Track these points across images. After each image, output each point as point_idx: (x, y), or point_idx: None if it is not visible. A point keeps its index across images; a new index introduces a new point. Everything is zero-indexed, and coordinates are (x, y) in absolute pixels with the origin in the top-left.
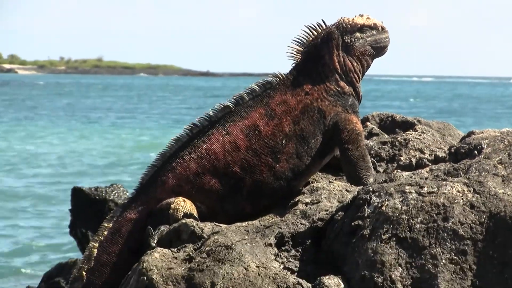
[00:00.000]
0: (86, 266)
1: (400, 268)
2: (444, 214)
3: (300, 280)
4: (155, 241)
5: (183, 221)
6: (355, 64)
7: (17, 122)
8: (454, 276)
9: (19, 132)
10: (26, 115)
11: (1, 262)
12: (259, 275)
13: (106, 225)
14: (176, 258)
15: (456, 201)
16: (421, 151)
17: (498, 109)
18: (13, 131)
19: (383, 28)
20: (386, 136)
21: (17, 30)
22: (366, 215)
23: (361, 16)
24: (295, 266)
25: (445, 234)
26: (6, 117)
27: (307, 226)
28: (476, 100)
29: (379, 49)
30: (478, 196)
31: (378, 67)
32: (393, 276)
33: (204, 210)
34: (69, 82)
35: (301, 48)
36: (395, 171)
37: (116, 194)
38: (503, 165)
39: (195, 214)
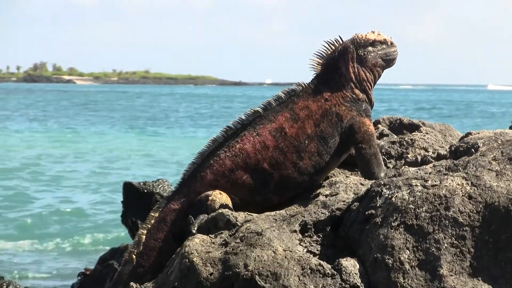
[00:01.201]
0: (136, 250)
1: (408, 251)
2: (446, 204)
3: (321, 262)
4: (195, 228)
5: (220, 211)
6: (368, 74)
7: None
8: (454, 258)
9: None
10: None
11: (68, 246)
12: (285, 257)
13: (153, 214)
14: (213, 243)
15: (456, 192)
16: (426, 150)
17: (487, 111)
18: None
19: (392, 43)
20: (395, 136)
21: (74, 46)
22: (378, 205)
23: (373, 32)
24: (317, 250)
25: (447, 222)
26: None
27: (327, 215)
28: (465, 104)
29: (389, 61)
30: (475, 188)
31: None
32: (401, 258)
33: (238, 201)
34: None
35: (321, 61)
36: (403, 167)
37: (162, 188)
38: (496, 162)
39: (230, 205)
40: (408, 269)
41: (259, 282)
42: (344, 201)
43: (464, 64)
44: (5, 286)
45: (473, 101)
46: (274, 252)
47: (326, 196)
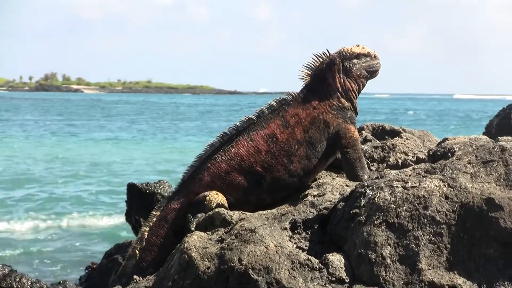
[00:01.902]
0: (139, 246)
1: (389, 247)
2: (424, 204)
3: (309, 257)
4: (193, 226)
5: (216, 210)
6: (353, 84)
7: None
8: (432, 253)
9: None
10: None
11: (73, 242)
12: (276, 252)
13: (154, 213)
14: (210, 239)
15: (434, 193)
16: (406, 154)
17: (453, 120)
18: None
19: (375, 56)
20: (378, 141)
21: (82, 57)
22: (362, 204)
23: (358, 46)
24: (306, 246)
25: (425, 220)
26: None
27: (315, 214)
28: (440, 111)
29: (372, 73)
30: (452, 189)
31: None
32: (383, 253)
33: (233, 201)
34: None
35: (310, 72)
36: (385, 169)
37: (163, 189)
38: (471, 165)
39: (226, 204)
40: (390, 264)
41: (252, 276)
42: (330, 201)
43: (433, 75)
44: (18, 279)
45: (448, 108)
46: (266, 247)
47: (314, 196)
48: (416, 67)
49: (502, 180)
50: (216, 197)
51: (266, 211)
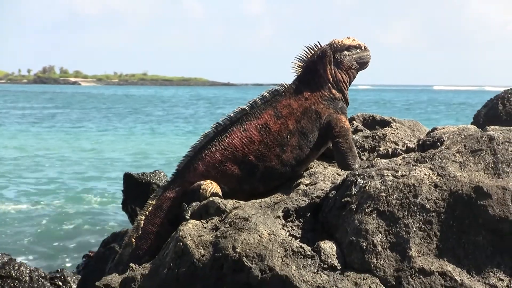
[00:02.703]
0: (135, 234)
1: (380, 234)
2: (414, 192)
3: (302, 244)
4: (188, 215)
5: (211, 199)
6: (343, 75)
7: None
8: (422, 240)
9: None
10: None
11: (71, 231)
12: (270, 240)
13: (150, 202)
14: (205, 227)
15: (423, 182)
16: (396, 143)
17: (437, 110)
18: None
19: (365, 48)
20: (368, 131)
21: (80, 51)
22: (353, 193)
23: (348, 38)
24: (298, 234)
25: (415, 208)
26: None
27: (307, 202)
28: (417, 103)
29: (362, 64)
30: (441, 178)
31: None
32: (374, 241)
33: (227, 190)
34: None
35: (301, 64)
36: (376, 159)
37: (158, 178)
38: (460, 154)
39: (220, 193)
40: (381, 251)
41: (246, 263)
42: (322, 190)
43: (414, 67)
44: (16, 267)
45: (431, 99)
46: (259, 235)
47: (307, 185)
48: (397, 59)
49: (490, 168)
50: (210, 186)
51: (260, 199)
